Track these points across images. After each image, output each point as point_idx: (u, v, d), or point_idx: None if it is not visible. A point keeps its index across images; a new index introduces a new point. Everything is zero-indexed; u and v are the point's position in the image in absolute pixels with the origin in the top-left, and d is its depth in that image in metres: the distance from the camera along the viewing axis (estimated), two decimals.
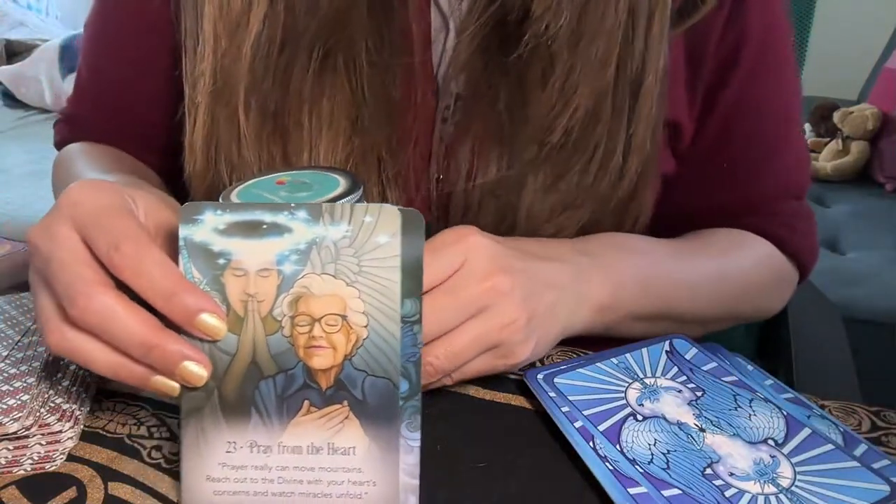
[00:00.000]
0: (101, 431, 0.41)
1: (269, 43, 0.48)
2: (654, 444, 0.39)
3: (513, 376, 0.45)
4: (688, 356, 0.46)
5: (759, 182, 0.60)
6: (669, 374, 0.45)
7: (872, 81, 2.10)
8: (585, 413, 0.41)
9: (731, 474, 0.37)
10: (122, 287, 0.34)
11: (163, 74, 0.57)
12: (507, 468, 0.39)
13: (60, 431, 0.39)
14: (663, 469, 0.37)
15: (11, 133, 1.92)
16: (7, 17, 2.35)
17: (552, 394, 0.43)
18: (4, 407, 0.38)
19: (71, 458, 0.39)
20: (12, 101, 2.10)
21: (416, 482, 0.35)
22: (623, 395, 0.43)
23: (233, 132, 0.50)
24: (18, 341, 0.44)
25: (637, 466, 0.37)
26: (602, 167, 0.50)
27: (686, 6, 0.51)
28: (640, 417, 0.41)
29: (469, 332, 0.40)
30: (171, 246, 0.35)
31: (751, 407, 0.42)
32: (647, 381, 0.44)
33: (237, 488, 0.35)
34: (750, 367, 0.47)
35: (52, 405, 0.40)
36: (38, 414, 0.38)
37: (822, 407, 0.44)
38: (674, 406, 0.42)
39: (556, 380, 0.44)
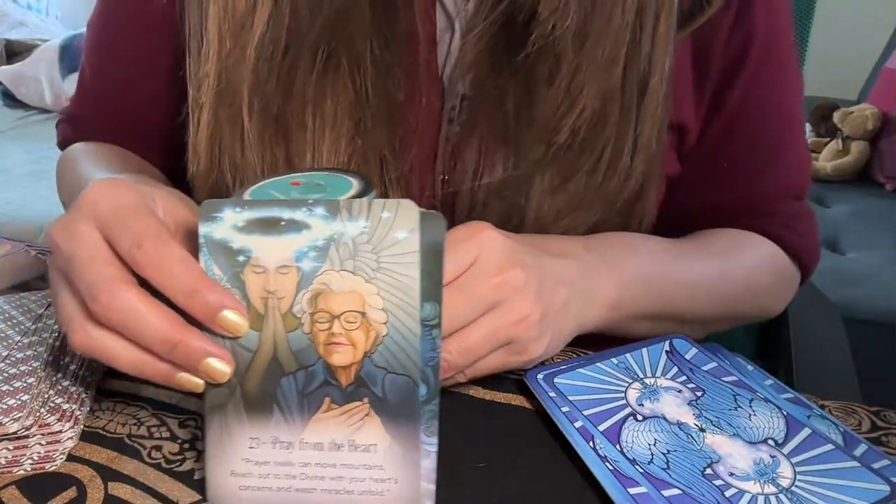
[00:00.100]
0: (101, 431, 0.41)
1: (272, 44, 0.48)
2: (654, 444, 0.39)
3: (513, 376, 0.45)
4: (688, 356, 0.46)
5: (760, 182, 0.60)
6: (669, 374, 0.45)
7: (872, 81, 2.10)
8: (585, 413, 0.41)
9: (731, 474, 0.37)
10: (144, 285, 0.34)
11: (165, 75, 0.57)
12: (507, 468, 0.39)
13: (60, 431, 0.39)
14: (663, 469, 0.37)
15: (11, 133, 1.92)
16: (7, 17, 2.35)
17: (552, 394, 0.43)
18: (4, 407, 0.38)
19: (71, 458, 0.39)
20: (12, 101, 2.10)
21: (433, 487, 0.36)
22: (623, 395, 0.43)
23: (236, 133, 0.50)
24: (18, 341, 0.44)
25: (637, 466, 0.37)
26: (611, 167, 0.50)
27: (693, 7, 0.51)
28: (640, 417, 0.41)
29: (483, 328, 0.40)
30: (191, 243, 0.35)
31: (751, 407, 0.42)
32: (647, 381, 0.44)
33: (261, 483, 0.36)
34: (750, 367, 0.47)
35: (52, 405, 0.40)
36: (38, 414, 0.38)
37: (822, 407, 0.44)
38: (674, 406, 0.42)
39: (556, 380, 0.44)
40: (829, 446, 0.39)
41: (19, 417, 0.37)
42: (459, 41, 0.52)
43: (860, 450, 0.39)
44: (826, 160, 1.99)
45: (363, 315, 0.34)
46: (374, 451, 0.35)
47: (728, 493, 0.36)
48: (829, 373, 0.71)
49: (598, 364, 0.45)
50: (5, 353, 0.43)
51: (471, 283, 0.40)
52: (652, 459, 0.38)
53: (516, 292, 0.41)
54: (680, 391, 0.43)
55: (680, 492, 0.36)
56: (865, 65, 2.16)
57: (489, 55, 0.50)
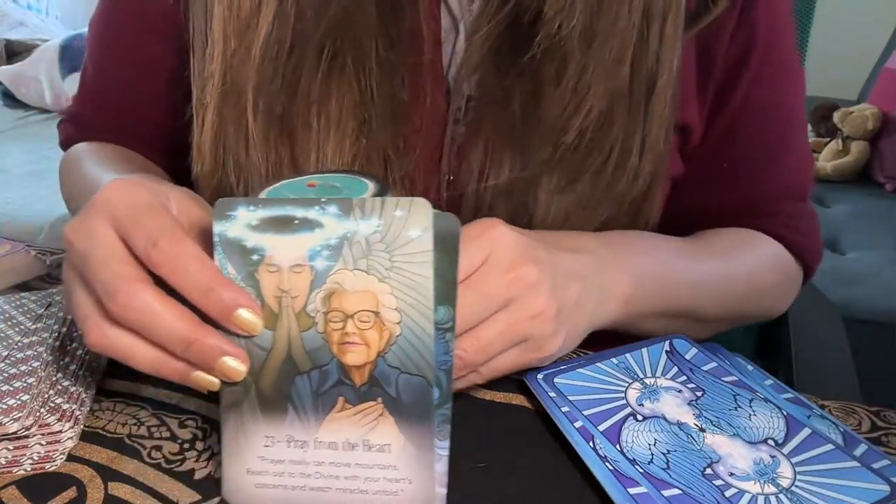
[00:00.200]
0: (101, 431, 0.41)
1: (277, 44, 0.48)
2: (654, 444, 0.39)
3: (513, 376, 0.45)
4: (688, 356, 0.46)
5: (762, 182, 0.60)
6: (669, 374, 0.45)
7: (872, 81, 2.11)
8: (585, 413, 0.41)
9: (731, 474, 0.37)
10: (159, 283, 0.34)
11: (168, 75, 0.57)
12: (507, 468, 0.39)
13: (60, 431, 0.39)
14: (663, 469, 0.37)
15: (11, 133, 1.92)
16: (7, 17, 2.35)
17: (552, 394, 0.43)
18: (4, 407, 0.38)
19: (71, 458, 0.39)
20: (12, 101, 2.10)
21: (445, 491, 0.36)
22: (623, 395, 0.43)
23: (241, 133, 0.50)
24: (18, 341, 0.44)
25: (637, 466, 0.37)
26: (618, 167, 0.50)
27: (699, 7, 0.51)
28: (640, 417, 0.41)
29: (497, 325, 0.40)
30: (205, 242, 0.35)
31: (751, 407, 0.42)
32: (647, 381, 0.44)
33: (276, 482, 0.36)
34: (750, 367, 0.47)
35: (52, 405, 0.40)
36: (38, 414, 0.38)
37: (822, 407, 0.44)
38: (674, 406, 0.42)
39: (556, 380, 0.44)
40: (829, 446, 0.39)
41: (19, 417, 0.37)
42: (464, 42, 0.52)
43: (860, 450, 0.39)
44: (826, 160, 1.99)
45: (376, 314, 0.34)
46: (389, 452, 0.35)
47: (728, 493, 0.36)
48: (829, 373, 0.71)
49: (598, 364, 0.45)
50: (5, 353, 0.43)
51: (483, 280, 0.39)
52: (652, 459, 0.38)
53: (530, 288, 0.40)
54: (680, 391, 0.43)
55: (680, 492, 0.36)
56: (865, 65, 2.16)
57: (495, 56, 0.50)
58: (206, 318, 0.34)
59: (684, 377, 0.44)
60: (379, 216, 0.34)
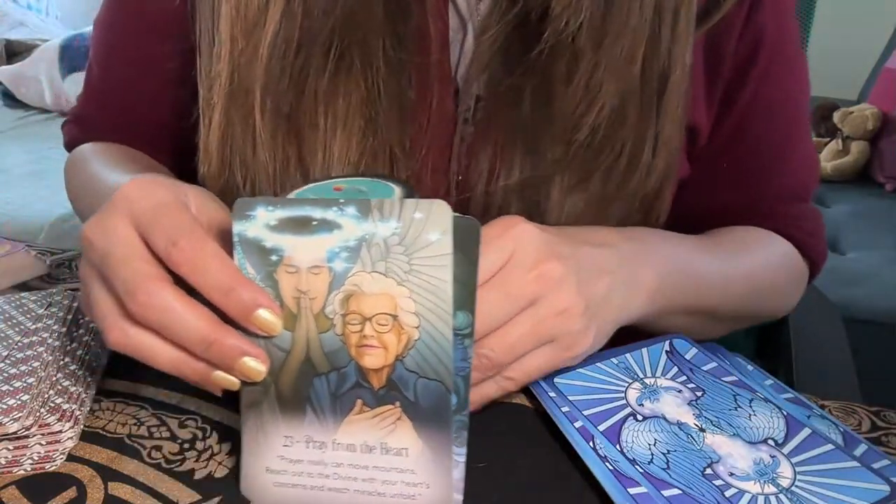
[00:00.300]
0: (101, 431, 0.41)
1: (285, 43, 0.48)
2: (654, 444, 0.39)
3: None
4: (688, 356, 0.46)
5: (769, 182, 0.60)
6: (669, 374, 0.45)
7: (872, 81, 2.10)
8: (585, 413, 0.41)
9: (731, 474, 0.37)
10: (178, 282, 0.34)
11: (174, 75, 0.57)
12: (507, 468, 0.39)
13: (60, 431, 0.39)
14: (663, 469, 0.37)
15: (11, 133, 1.91)
16: (7, 17, 2.35)
17: (552, 394, 0.43)
18: (4, 407, 0.38)
19: (71, 458, 0.39)
20: (12, 101, 2.10)
21: (461, 497, 0.36)
22: (623, 395, 0.43)
23: (248, 133, 0.50)
24: (18, 341, 0.44)
25: (637, 466, 0.37)
26: (631, 164, 0.50)
27: (709, 4, 0.51)
28: (640, 417, 0.41)
29: (524, 323, 0.39)
30: (223, 242, 0.35)
31: (751, 407, 0.42)
32: (647, 381, 0.44)
33: (295, 481, 0.36)
34: (750, 367, 0.47)
35: (52, 405, 0.40)
36: (38, 414, 0.38)
37: (822, 407, 0.44)
38: (674, 406, 0.42)
39: (556, 380, 0.44)
40: (829, 446, 0.39)
41: (19, 417, 0.37)
42: (473, 42, 0.51)
43: (860, 450, 0.39)
44: (826, 160, 1.98)
45: (395, 318, 0.34)
46: (406, 456, 0.35)
47: (728, 493, 0.36)
48: (829, 373, 0.71)
49: (598, 364, 0.45)
50: (5, 353, 0.43)
51: (508, 279, 0.39)
52: (652, 459, 0.38)
53: (556, 284, 0.40)
54: (680, 391, 0.43)
55: (680, 492, 0.36)
56: (865, 65, 2.16)
57: (504, 56, 0.49)
58: (225, 318, 0.34)
59: (684, 377, 0.44)
60: (398, 218, 0.34)
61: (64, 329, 0.45)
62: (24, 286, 0.55)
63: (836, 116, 2.00)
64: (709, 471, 0.37)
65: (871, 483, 0.36)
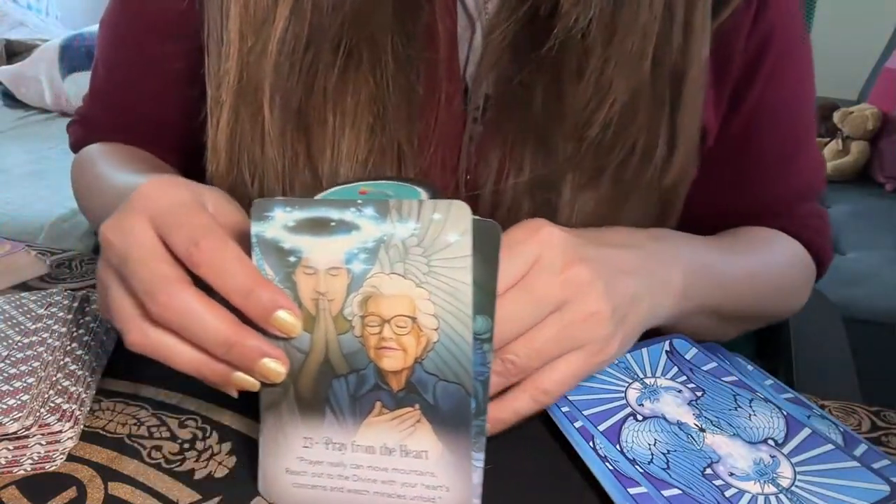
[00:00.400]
0: (101, 431, 0.41)
1: (294, 40, 0.48)
2: (654, 444, 0.39)
3: None
4: (688, 356, 0.46)
5: (777, 183, 0.60)
6: (669, 374, 0.45)
7: (872, 81, 2.10)
8: (585, 413, 0.41)
9: (731, 474, 0.37)
10: (197, 283, 0.34)
11: (181, 75, 0.56)
12: (507, 468, 0.39)
13: (60, 431, 0.39)
14: (663, 469, 0.37)
15: (11, 133, 1.92)
16: (7, 17, 2.35)
17: None
18: (4, 407, 0.38)
19: (71, 458, 0.39)
20: (12, 101, 2.10)
21: (479, 502, 0.35)
22: (623, 395, 0.43)
23: (256, 130, 0.49)
24: (18, 341, 0.44)
25: (637, 466, 0.37)
26: (644, 160, 0.50)
27: (717, 3, 0.51)
28: (640, 417, 0.41)
29: (550, 328, 0.38)
30: (241, 243, 0.35)
31: (751, 407, 0.42)
32: (647, 381, 0.44)
33: (315, 482, 0.36)
34: (750, 367, 0.47)
35: (52, 405, 0.40)
36: (38, 414, 0.38)
37: (822, 407, 0.44)
38: (674, 406, 0.42)
39: None
40: (829, 446, 0.39)
41: (19, 417, 0.37)
42: (481, 40, 0.51)
43: (860, 450, 0.39)
44: (826, 160, 1.99)
45: (414, 320, 0.34)
46: (426, 458, 0.35)
47: (728, 493, 0.36)
48: (829, 373, 0.71)
49: None
50: (5, 353, 0.43)
51: (534, 283, 0.38)
52: (652, 459, 0.38)
53: (583, 289, 0.39)
54: (680, 391, 0.43)
55: (680, 492, 0.36)
56: (865, 65, 2.16)
57: (513, 54, 0.49)
58: (244, 319, 0.34)
59: (684, 377, 0.44)
60: (416, 219, 0.33)
61: (64, 329, 0.45)
62: (24, 286, 0.55)
63: (836, 116, 2.00)
64: (709, 471, 0.37)
65: (871, 483, 0.36)
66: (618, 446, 0.39)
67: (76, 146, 0.67)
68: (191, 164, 0.55)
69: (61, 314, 0.47)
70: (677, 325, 0.48)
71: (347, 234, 0.34)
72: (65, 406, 0.40)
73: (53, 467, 0.38)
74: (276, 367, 0.34)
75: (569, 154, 0.49)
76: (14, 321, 0.46)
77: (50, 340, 0.44)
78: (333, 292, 0.34)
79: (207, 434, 0.41)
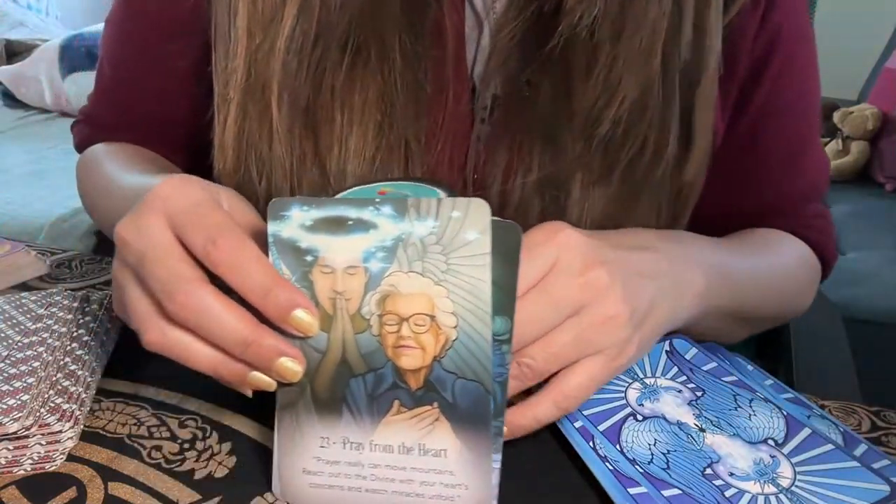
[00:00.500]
0: (101, 431, 0.41)
1: (302, 37, 0.48)
2: (654, 444, 0.39)
3: None
4: (688, 356, 0.46)
5: (784, 183, 0.59)
6: (669, 374, 0.45)
7: (872, 81, 2.10)
8: (585, 413, 0.41)
9: (731, 474, 0.37)
10: (214, 281, 0.34)
11: (187, 73, 0.56)
12: (507, 468, 0.39)
13: (60, 431, 0.39)
14: (663, 469, 0.37)
15: (11, 133, 1.92)
16: (7, 17, 2.35)
17: None
18: (4, 407, 0.38)
19: (71, 458, 0.39)
20: (12, 101, 2.10)
21: (495, 503, 0.35)
22: (623, 394, 0.43)
23: (264, 127, 0.49)
24: (18, 341, 0.44)
25: (637, 466, 0.37)
26: (655, 158, 0.49)
27: (726, 2, 0.51)
28: (640, 417, 0.41)
29: (568, 331, 0.38)
30: (257, 243, 0.35)
31: (751, 407, 0.42)
32: (647, 381, 0.44)
33: (332, 482, 0.36)
34: (750, 367, 0.47)
35: (52, 405, 0.40)
36: (38, 414, 0.38)
37: (822, 407, 0.44)
38: (674, 406, 0.42)
39: None
40: (829, 446, 0.39)
41: (19, 417, 0.37)
42: (489, 40, 0.51)
43: (860, 450, 0.39)
44: None
45: (432, 318, 0.34)
46: (445, 457, 0.35)
47: (728, 493, 0.36)
48: (829, 373, 0.71)
49: None
50: (5, 353, 0.43)
51: (553, 286, 0.38)
52: (652, 459, 0.38)
53: (601, 292, 0.39)
54: (680, 391, 0.43)
55: (680, 492, 0.36)
56: (865, 65, 2.16)
57: (521, 53, 0.49)
58: (261, 318, 0.34)
59: (684, 377, 0.44)
60: (435, 217, 0.33)
61: (64, 329, 0.45)
62: (24, 286, 0.55)
63: (836, 116, 2.00)
64: (709, 471, 0.37)
65: (871, 483, 0.36)
66: (618, 446, 0.39)
67: (81, 146, 0.67)
68: (196, 163, 0.55)
69: (61, 314, 0.47)
70: (692, 327, 0.48)
71: (365, 232, 0.34)
72: (65, 406, 0.40)
73: (53, 467, 0.38)
74: (293, 366, 0.34)
75: (578, 152, 0.49)
76: (14, 321, 0.46)
77: (50, 340, 0.44)
78: (351, 291, 0.34)
79: (207, 434, 0.41)
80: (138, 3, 0.60)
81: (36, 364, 0.42)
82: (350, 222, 0.34)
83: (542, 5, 0.48)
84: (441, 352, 0.34)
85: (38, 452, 0.38)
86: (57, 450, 0.39)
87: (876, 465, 0.38)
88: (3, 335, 0.45)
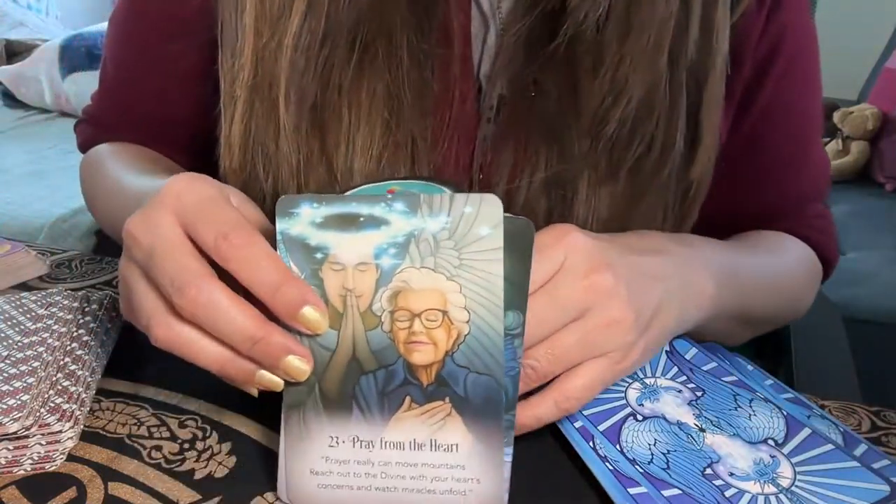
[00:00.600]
0: (101, 431, 0.41)
1: (310, 35, 0.48)
2: (654, 444, 0.39)
3: None
4: (688, 356, 0.46)
5: (786, 185, 0.59)
6: (669, 374, 0.45)
7: (872, 81, 2.10)
8: (585, 413, 0.41)
9: (731, 474, 0.37)
10: (223, 278, 0.34)
11: (193, 71, 0.56)
12: None
13: (60, 431, 0.39)
14: (663, 469, 0.37)
15: (11, 133, 1.92)
16: (7, 17, 2.35)
17: None
18: (4, 407, 0.38)
19: (71, 458, 0.39)
20: (12, 101, 2.11)
21: (506, 497, 0.35)
22: (623, 394, 0.43)
23: (271, 125, 0.49)
24: (18, 341, 0.44)
25: (637, 466, 0.37)
26: (662, 157, 0.49)
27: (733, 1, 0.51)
28: (640, 417, 0.41)
29: (573, 334, 0.38)
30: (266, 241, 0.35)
31: (751, 407, 0.42)
32: (647, 380, 0.44)
33: (341, 482, 0.36)
34: (750, 367, 0.47)
35: (52, 405, 0.40)
36: (38, 414, 0.38)
37: (822, 407, 0.44)
38: (674, 406, 0.42)
39: None
40: (829, 446, 0.39)
41: (19, 417, 0.37)
42: (495, 40, 0.51)
43: (860, 450, 0.39)
44: None
45: (444, 313, 0.34)
46: (457, 451, 0.35)
47: (728, 493, 0.36)
48: (829, 373, 0.71)
49: None
50: (5, 354, 0.43)
51: (558, 288, 0.38)
52: (652, 459, 0.38)
53: (606, 295, 0.39)
54: (680, 391, 0.43)
55: (680, 492, 0.36)
56: (865, 65, 2.16)
57: (527, 53, 0.49)
58: (269, 316, 0.34)
59: (684, 377, 0.44)
60: (447, 213, 0.33)
61: (64, 329, 0.45)
62: (24, 286, 0.55)
63: (836, 116, 2.00)
64: (709, 471, 0.37)
65: (871, 483, 0.36)
66: (618, 446, 0.39)
67: (84, 146, 0.67)
68: (200, 163, 0.55)
69: (61, 314, 0.47)
70: (702, 328, 0.48)
71: (377, 229, 0.34)
72: (65, 406, 0.40)
73: (53, 467, 0.38)
74: (300, 365, 0.34)
75: (584, 152, 0.49)
76: (14, 321, 0.46)
77: (50, 340, 0.44)
78: (362, 288, 0.34)
79: (207, 434, 0.41)
80: (140, 3, 0.60)
81: (36, 364, 0.42)
82: (362, 219, 0.34)
83: (547, 5, 0.48)
84: (453, 346, 0.34)
85: (38, 452, 0.38)
86: (57, 450, 0.39)
87: (876, 465, 0.38)
88: (3, 335, 0.45)
